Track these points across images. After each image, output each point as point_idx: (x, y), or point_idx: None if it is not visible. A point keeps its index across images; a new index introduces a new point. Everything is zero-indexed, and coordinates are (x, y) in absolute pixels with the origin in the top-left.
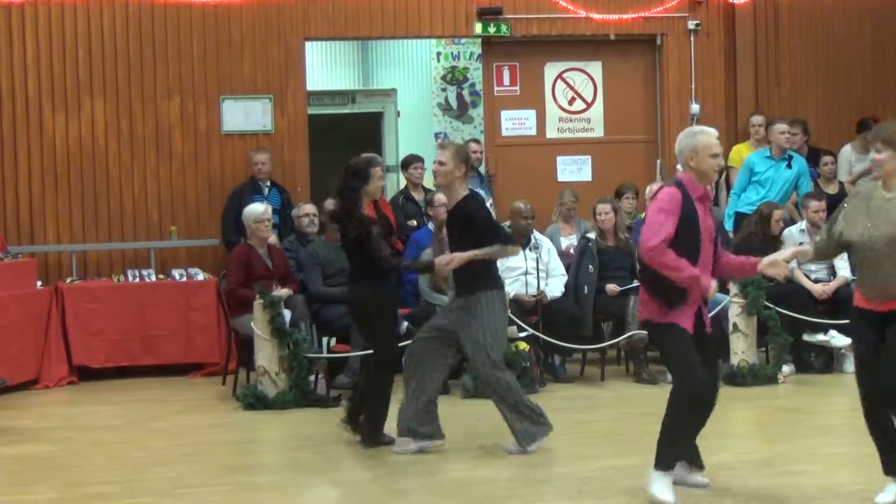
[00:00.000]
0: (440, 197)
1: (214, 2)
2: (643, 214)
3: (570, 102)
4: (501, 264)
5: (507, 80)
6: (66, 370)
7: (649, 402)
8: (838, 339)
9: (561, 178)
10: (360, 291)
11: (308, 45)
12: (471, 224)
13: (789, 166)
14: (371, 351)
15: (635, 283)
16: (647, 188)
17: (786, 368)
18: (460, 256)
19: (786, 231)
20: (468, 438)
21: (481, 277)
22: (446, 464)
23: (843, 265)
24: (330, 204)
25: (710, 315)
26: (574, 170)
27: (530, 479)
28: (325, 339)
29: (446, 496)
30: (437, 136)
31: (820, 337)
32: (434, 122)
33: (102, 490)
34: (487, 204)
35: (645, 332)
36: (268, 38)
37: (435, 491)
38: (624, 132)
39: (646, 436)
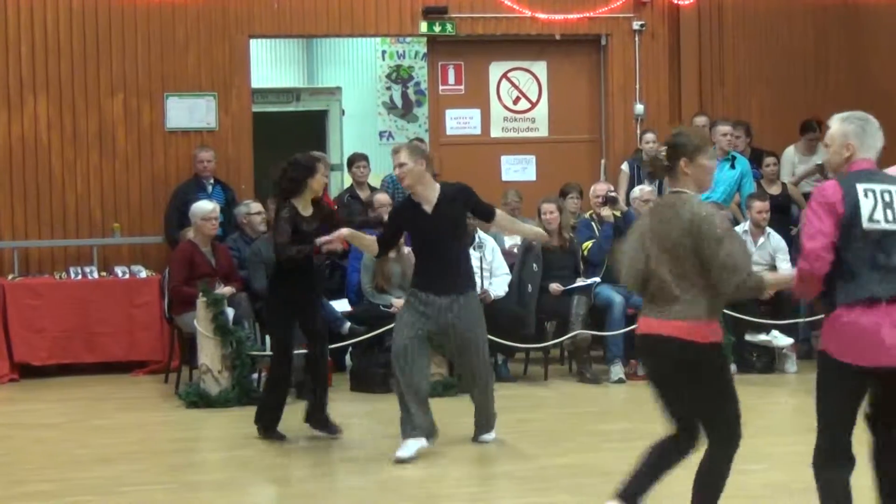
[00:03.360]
0: (381, 197)
1: None
2: (587, 214)
3: (515, 102)
4: None
5: (451, 79)
6: (8, 367)
7: (592, 401)
8: (780, 340)
9: (505, 177)
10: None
11: (253, 42)
12: (469, 205)
13: (732, 167)
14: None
15: (578, 283)
16: (592, 188)
17: None
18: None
19: None
20: None
21: (471, 276)
22: (390, 462)
23: (784, 265)
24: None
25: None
26: (518, 169)
27: (474, 477)
28: (268, 337)
29: (390, 494)
30: (381, 134)
31: (762, 337)
32: (379, 120)
33: (42, 488)
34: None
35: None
36: (212, 35)
37: (379, 489)
38: (568, 132)
39: (587, 435)
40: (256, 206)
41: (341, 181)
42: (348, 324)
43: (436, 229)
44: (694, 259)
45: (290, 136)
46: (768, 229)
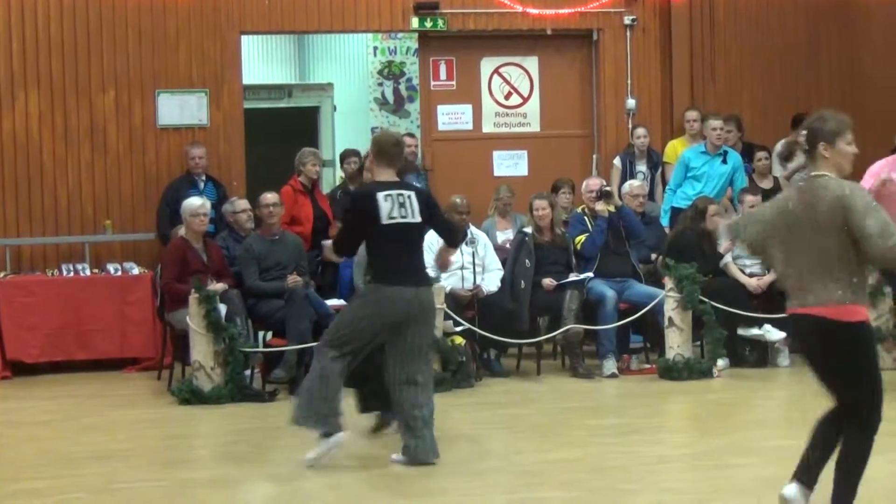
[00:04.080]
0: None
1: None
2: (580, 208)
3: (507, 97)
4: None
5: (443, 75)
6: (0, 365)
7: (585, 396)
8: (773, 334)
9: (497, 172)
10: None
11: (244, 38)
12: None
13: (724, 161)
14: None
15: (571, 278)
16: (584, 183)
17: (721, 362)
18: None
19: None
20: None
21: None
22: (382, 458)
23: None
24: (273, 197)
25: (646, 309)
26: (510, 164)
27: (466, 473)
28: (260, 334)
29: (382, 490)
30: (373, 130)
31: (754, 331)
32: (370, 116)
33: (34, 486)
34: None
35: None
36: (204, 31)
37: (371, 485)
38: (560, 127)
39: (580, 430)
40: (242, 204)
41: (333, 177)
42: None
43: None
44: (840, 237)
45: (281, 133)
46: None
